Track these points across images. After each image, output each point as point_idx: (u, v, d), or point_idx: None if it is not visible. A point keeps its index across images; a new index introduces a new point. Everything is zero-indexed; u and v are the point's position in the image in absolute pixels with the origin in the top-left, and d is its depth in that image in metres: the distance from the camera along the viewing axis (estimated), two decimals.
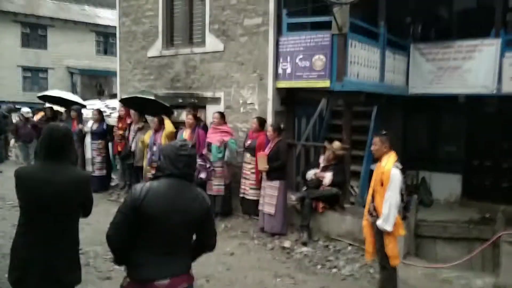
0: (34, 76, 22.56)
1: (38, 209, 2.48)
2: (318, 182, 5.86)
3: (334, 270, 4.93)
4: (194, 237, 2.45)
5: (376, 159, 4.24)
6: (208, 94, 7.15)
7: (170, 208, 2.27)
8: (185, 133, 6.62)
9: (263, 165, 5.73)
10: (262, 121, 6.22)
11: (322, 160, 6.05)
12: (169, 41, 7.90)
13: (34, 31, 22.40)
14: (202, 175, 6.18)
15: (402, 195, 3.91)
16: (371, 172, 4.65)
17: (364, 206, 4.38)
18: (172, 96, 7.66)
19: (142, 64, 8.29)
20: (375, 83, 6.69)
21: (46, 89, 17.34)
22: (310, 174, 6.00)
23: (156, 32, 7.95)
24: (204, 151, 6.40)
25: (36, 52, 22.32)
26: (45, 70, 22.66)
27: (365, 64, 6.37)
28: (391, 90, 7.28)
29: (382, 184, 3.92)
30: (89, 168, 8.14)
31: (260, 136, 6.11)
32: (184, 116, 6.89)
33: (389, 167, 3.88)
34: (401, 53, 7.54)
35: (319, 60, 6.00)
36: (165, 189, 2.31)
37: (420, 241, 6.34)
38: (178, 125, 7.21)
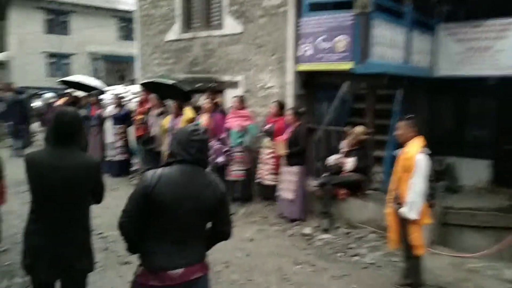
0: (58, 62, 22.88)
1: (47, 195, 2.45)
2: (339, 167, 5.70)
3: (356, 258, 4.81)
4: (209, 225, 2.36)
5: (401, 144, 4.05)
6: (227, 77, 7.03)
7: (182, 195, 2.18)
8: (203, 118, 6.53)
9: (282, 150, 5.60)
10: (281, 105, 6.07)
11: (343, 145, 5.87)
12: (187, 24, 7.78)
13: (57, 17, 22.62)
14: (220, 160, 6.11)
15: (429, 181, 3.73)
16: (395, 157, 4.47)
17: (387, 193, 4.21)
18: (190, 80, 7.56)
19: (161, 48, 8.21)
20: (400, 65, 6.40)
21: (69, 74, 17.50)
22: (331, 159, 5.84)
23: (174, 15, 7.83)
24: (223, 136, 6.31)
25: (59, 38, 22.59)
26: (68, 56, 22.95)
27: (389, 45, 6.09)
28: (416, 72, 6.97)
29: (406, 171, 3.75)
30: (109, 152, 8.20)
31: (279, 120, 5.97)
32: (203, 100, 6.78)
33: (414, 153, 3.71)
34: (427, 33, 7.18)
35: (341, 42, 5.76)
36: (177, 175, 2.22)
37: (446, 229, 6.10)
38: (199, 109, 7.12)
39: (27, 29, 21.45)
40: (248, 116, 6.27)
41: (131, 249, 2.35)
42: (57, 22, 22.67)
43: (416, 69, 6.94)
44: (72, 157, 2.49)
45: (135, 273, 2.32)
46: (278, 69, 6.36)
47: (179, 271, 2.20)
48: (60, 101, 10.21)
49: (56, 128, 2.50)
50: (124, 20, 23.89)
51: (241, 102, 6.30)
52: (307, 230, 5.44)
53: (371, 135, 5.97)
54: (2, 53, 24.82)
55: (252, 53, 6.65)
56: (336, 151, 5.95)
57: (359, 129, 5.74)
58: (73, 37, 22.82)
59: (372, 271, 4.52)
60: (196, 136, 2.27)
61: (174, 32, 7.86)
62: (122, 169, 8.18)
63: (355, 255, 4.85)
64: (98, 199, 2.71)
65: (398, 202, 3.86)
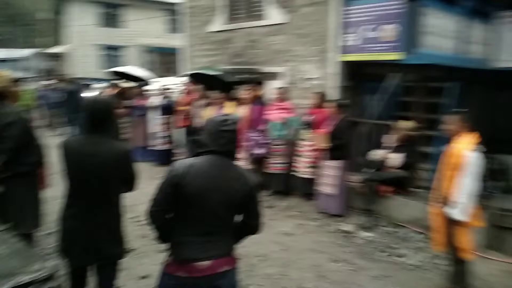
0: (111, 54, 23.78)
1: (79, 181, 2.49)
2: (383, 163, 5.45)
3: (399, 258, 4.58)
4: (238, 218, 2.30)
5: (449, 140, 3.78)
6: (270, 69, 6.92)
7: (211, 186, 2.13)
8: (241, 109, 6.48)
9: (323, 143, 5.43)
10: (322, 96, 5.88)
11: (388, 140, 5.60)
12: (230, 15, 7.73)
13: (110, 10, 23.48)
14: (259, 151, 6.03)
15: (482, 181, 3.44)
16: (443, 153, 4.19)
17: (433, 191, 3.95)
18: (233, 71, 7.53)
19: (205, 40, 8.24)
20: (453, 56, 5.98)
21: (121, 66, 18.17)
22: (376, 154, 5.59)
23: (218, 6, 7.80)
24: (263, 127, 6.23)
25: (112, 31, 23.46)
26: (120, 48, 23.79)
27: (442, 34, 5.70)
28: (471, 63, 6.49)
29: (454, 168, 3.48)
30: (152, 142, 8.38)
31: (320, 112, 5.79)
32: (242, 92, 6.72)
33: (464, 150, 3.42)
34: (484, 22, 6.65)
35: (389, 30, 5.48)
36: (206, 166, 2.17)
37: (501, 233, 5.67)
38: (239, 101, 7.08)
39: (83, 23, 22.45)
40: (290, 108, 6.14)
41: (161, 238, 2.34)
42: (110, 16, 23.54)
43: (471, 61, 6.47)
44: (103, 145, 2.51)
45: (163, 262, 2.30)
46: (321, 59, 6.17)
47: (206, 263, 2.16)
48: (109, 91, 10.58)
49: (88, 116, 2.53)
50: (173, 13, 24.35)
51: (283, 94, 6.18)
52: (348, 227, 5.25)
53: (419, 130, 5.65)
54: (61, 46, 26.20)
55: (295, 44, 6.49)
56: (380, 145, 5.69)
57: (406, 123, 5.45)
58: (125, 30, 23.62)
59: (415, 274, 4.28)
60: (226, 127, 2.20)
61: (218, 23, 7.84)
62: (165, 158, 8.32)
63: (398, 256, 4.62)
64: (130, 187, 2.71)
65: (444, 201, 3.60)
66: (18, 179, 3.49)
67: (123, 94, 9.41)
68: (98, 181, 2.48)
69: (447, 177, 3.60)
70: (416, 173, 5.64)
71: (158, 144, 8.38)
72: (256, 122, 6.26)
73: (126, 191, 2.75)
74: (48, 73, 24.60)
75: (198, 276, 2.15)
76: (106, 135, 2.55)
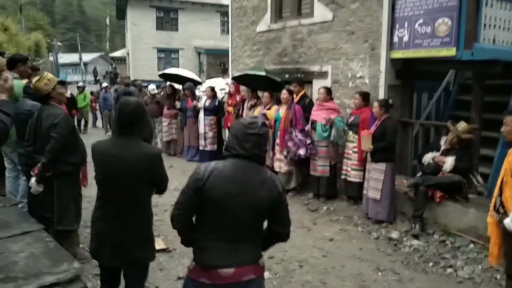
0: (167, 56, 24.66)
1: (108, 183, 2.51)
2: (436, 167, 5.08)
3: (450, 270, 4.23)
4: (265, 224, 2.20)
5: (510, 144, 3.42)
6: (315, 68, 6.73)
7: (235, 191, 2.05)
8: (281, 110, 6.36)
9: (368, 145, 5.17)
10: (365, 96, 5.63)
11: (443, 142, 5.22)
12: (277, 14, 7.64)
13: (167, 14, 24.35)
14: (301, 152, 5.88)
15: None
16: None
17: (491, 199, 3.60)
18: (279, 71, 7.42)
19: (251, 40, 8.21)
20: None
21: (177, 68, 18.75)
22: (428, 157, 5.22)
23: (265, 6, 7.75)
24: (307, 128, 6.07)
25: (169, 34, 24.30)
26: (176, 51, 24.58)
27: (504, 26, 5.22)
28: None
29: None
30: (202, 142, 8.51)
31: (364, 112, 5.53)
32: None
33: None
34: None
35: (444, 24, 5.10)
36: (230, 170, 2.09)
37: None
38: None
39: (142, 27, 23.46)
40: (335, 108, 5.92)
41: (185, 242, 2.30)
42: (167, 19, 24.41)
43: None
44: (133, 147, 2.51)
45: (188, 267, 2.27)
46: (369, 57, 5.89)
47: (230, 270, 2.08)
48: (162, 93, 10.90)
49: (119, 118, 2.54)
50: (226, 15, 24.73)
51: (328, 94, 5.98)
52: (395, 234, 4.95)
53: (477, 131, 5.22)
54: (123, 50, 27.55)
55: (342, 41, 6.25)
56: (434, 148, 5.32)
57: (462, 124, 5.04)
58: (181, 33, 24.36)
59: (465, 287, 3.94)
60: (253, 130, 2.11)
61: (265, 23, 7.78)
62: (213, 158, 8.34)
63: (449, 267, 4.27)
64: (160, 190, 2.71)
65: (501, 211, 3.25)
66: (61, 178, 3.65)
67: (173, 95, 9.68)
68: (125, 184, 2.49)
69: (507, 184, 3.24)
70: (474, 178, 5.20)
71: (208, 145, 8.48)
72: (296, 122, 6.12)
73: (157, 194, 2.76)
74: (111, 76, 26.00)
75: (221, 283, 2.08)
76: (135, 137, 2.55)
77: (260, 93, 7.57)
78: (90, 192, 5.60)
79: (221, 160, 2.17)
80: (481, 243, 4.53)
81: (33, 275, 2.07)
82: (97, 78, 30.98)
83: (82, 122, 13.08)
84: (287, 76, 7.24)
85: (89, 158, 3.23)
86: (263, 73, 6.88)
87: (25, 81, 4.41)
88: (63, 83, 4.22)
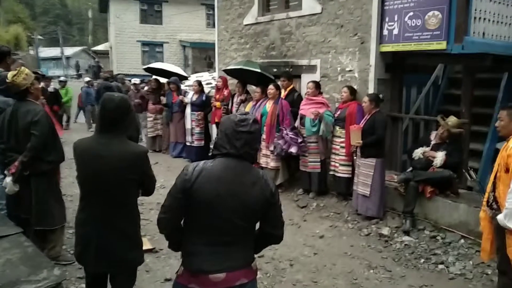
0: (151, 50, 24.24)
1: (92, 183, 2.35)
2: (427, 162, 5.03)
3: (441, 266, 4.20)
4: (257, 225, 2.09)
5: (503, 138, 3.36)
6: (304, 62, 6.61)
7: (225, 192, 1.92)
8: (268, 104, 6.23)
9: (356, 140, 5.09)
10: (352, 90, 5.56)
11: (433, 137, 5.17)
12: (265, 6, 7.47)
13: (151, 7, 23.89)
14: (293, 150, 5.77)
15: None
16: (497, 152, 3.76)
17: (483, 194, 3.55)
18: (267, 65, 7.28)
19: (238, 33, 8.04)
20: (508, 44, 5.43)
21: (162, 62, 18.45)
22: (418, 152, 5.17)
23: None
24: (297, 124, 5.96)
25: (153, 27, 23.87)
26: (160, 44, 24.17)
27: (495, 20, 5.18)
28: None
29: (507, 170, 3.07)
30: (188, 138, 8.34)
31: (350, 105, 5.45)
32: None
33: None
34: None
35: (434, 17, 5.03)
36: (219, 170, 1.96)
37: None
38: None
39: (125, 19, 22.97)
40: (324, 102, 5.81)
41: (173, 246, 2.19)
42: (151, 12, 23.96)
43: None
44: (117, 146, 2.35)
45: (176, 272, 2.14)
46: (359, 51, 5.79)
47: (221, 275, 1.96)
48: (145, 87, 10.67)
49: (102, 115, 2.38)
50: (212, 8, 24.41)
51: (317, 88, 5.88)
52: (385, 231, 4.90)
53: (466, 126, 5.18)
54: (106, 43, 27.01)
55: (331, 34, 6.14)
56: (424, 143, 5.27)
57: (452, 119, 5.00)
58: (165, 26, 23.95)
59: (460, 284, 3.91)
60: (244, 127, 1.98)
61: (252, 16, 7.61)
62: (200, 155, 8.24)
63: (440, 263, 4.24)
64: (147, 190, 2.56)
65: (494, 206, 3.20)
66: (39, 177, 3.48)
67: (158, 89, 9.46)
68: (110, 184, 2.33)
69: (501, 179, 3.19)
70: (464, 173, 5.18)
71: (194, 141, 8.31)
72: (283, 118, 6.01)
73: (144, 195, 2.61)
74: (93, 70, 25.48)
75: None
76: (119, 135, 2.39)
77: (249, 88, 7.44)
78: (73, 190, 5.45)
79: (210, 160, 2.04)
80: (471, 238, 4.51)
81: (9, 284, 1.93)
82: (80, 72, 30.36)
83: (64, 117, 12.73)
84: (275, 70, 7.10)
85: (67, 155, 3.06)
86: (258, 70, 6.72)
87: None
88: (44, 77, 4.03)
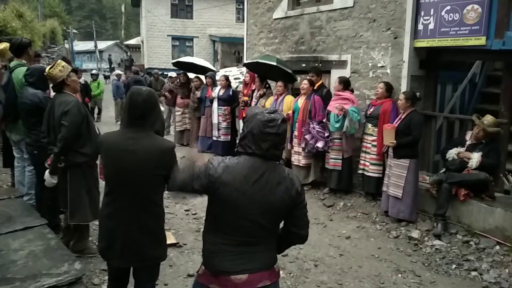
0: (181, 44, 24.46)
1: (118, 178, 2.32)
2: (461, 163, 4.80)
3: (474, 273, 4.00)
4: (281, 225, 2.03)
5: None
6: (334, 57, 6.44)
7: (248, 191, 1.86)
8: (300, 100, 6.11)
9: (390, 140, 4.90)
10: (389, 87, 5.33)
11: (469, 137, 4.93)
12: (295, 0, 7.34)
13: (182, 2, 24.07)
14: (319, 145, 5.64)
15: None
16: None
17: None
18: (295, 60, 7.15)
19: (267, 27, 7.93)
20: None
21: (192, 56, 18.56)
22: (452, 153, 4.95)
23: None
24: (325, 120, 5.83)
25: (183, 22, 24.06)
26: (190, 39, 24.35)
27: None
28: None
29: None
30: (215, 133, 8.32)
31: (385, 103, 5.25)
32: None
33: None
34: None
35: (473, 11, 4.78)
36: (244, 168, 1.90)
37: None
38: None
39: (156, 14, 23.25)
40: (351, 99, 5.63)
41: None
42: (181, 7, 24.14)
43: None
44: (144, 141, 2.31)
45: (197, 271, 2.10)
46: (392, 46, 5.58)
47: (243, 276, 1.90)
48: (175, 82, 10.72)
49: (129, 109, 2.34)
50: (242, 2, 24.32)
51: (342, 83, 5.71)
52: (416, 234, 4.72)
53: (506, 126, 4.91)
54: (138, 37, 27.41)
55: (363, 29, 5.95)
56: (459, 143, 5.03)
57: (488, 118, 4.74)
58: (195, 21, 24.09)
59: None
60: (272, 128, 1.89)
61: (282, 10, 7.49)
62: (226, 149, 8.22)
63: (473, 270, 4.04)
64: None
65: None
66: (74, 169, 3.49)
67: (187, 84, 9.48)
68: (137, 179, 2.30)
69: None
70: (501, 177, 4.92)
71: (221, 135, 8.29)
72: (316, 113, 5.88)
73: (168, 190, 2.57)
74: (125, 64, 25.95)
75: None
76: (147, 129, 2.36)
77: (271, 83, 7.34)
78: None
79: (235, 157, 1.97)
80: (508, 245, 4.28)
81: (31, 277, 1.93)
82: (112, 66, 30.99)
83: (96, 110, 13.00)
84: (304, 65, 6.97)
85: None
86: (274, 63, 6.60)
87: (24, 68, 4.24)
88: (76, 71, 4.06)
